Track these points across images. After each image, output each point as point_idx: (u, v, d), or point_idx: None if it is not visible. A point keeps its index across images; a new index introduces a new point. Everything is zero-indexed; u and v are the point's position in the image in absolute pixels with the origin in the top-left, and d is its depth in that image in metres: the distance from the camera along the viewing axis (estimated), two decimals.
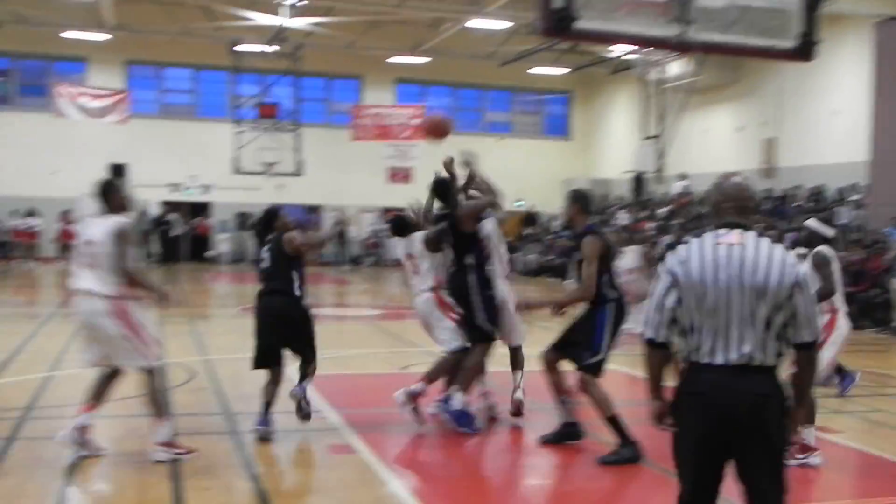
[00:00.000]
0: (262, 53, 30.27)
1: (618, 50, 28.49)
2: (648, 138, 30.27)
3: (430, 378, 8.03)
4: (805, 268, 4.12)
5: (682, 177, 30.16)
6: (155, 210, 32.14)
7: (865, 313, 17.45)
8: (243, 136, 30.06)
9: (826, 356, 7.26)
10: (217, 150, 30.73)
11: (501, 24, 27.90)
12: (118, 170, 31.94)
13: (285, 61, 30.64)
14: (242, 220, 33.22)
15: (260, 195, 30.61)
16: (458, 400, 7.90)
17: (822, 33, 7.23)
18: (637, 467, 6.97)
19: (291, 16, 27.03)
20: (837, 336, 7.72)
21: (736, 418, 3.82)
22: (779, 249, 3.90)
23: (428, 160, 33.33)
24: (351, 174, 33.74)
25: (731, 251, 3.87)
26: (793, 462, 6.39)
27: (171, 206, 32.63)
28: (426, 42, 31.24)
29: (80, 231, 6.96)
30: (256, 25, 28.46)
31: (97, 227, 6.76)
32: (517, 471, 7.55)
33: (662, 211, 29.23)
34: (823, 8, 7.11)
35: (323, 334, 9.48)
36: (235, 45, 29.95)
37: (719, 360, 3.86)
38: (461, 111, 37.29)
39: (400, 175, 32.45)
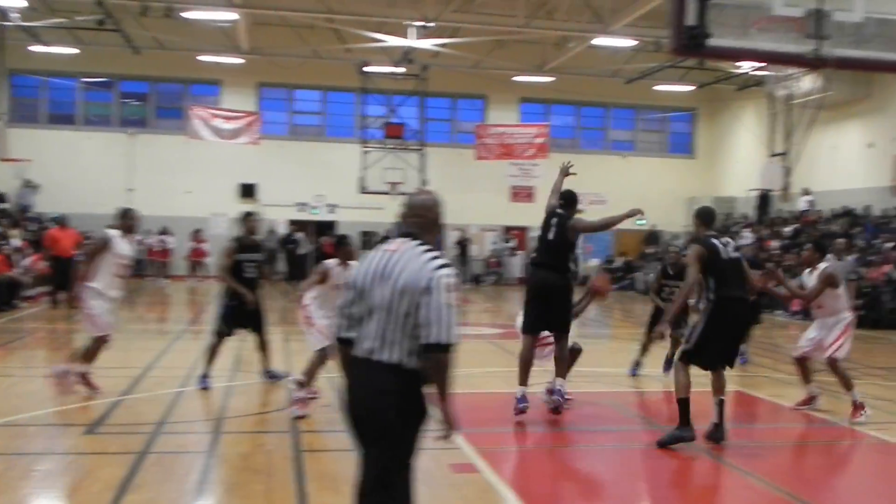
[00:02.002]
0: (390, 74, 30.75)
1: (745, 66, 27.94)
2: (775, 155, 29.50)
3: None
4: (446, 273, 4.10)
5: (807, 192, 29.33)
6: (282, 229, 32.90)
7: None
8: (369, 156, 30.56)
9: None
10: (344, 170, 31.34)
11: (626, 42, 27.70)
12: (248, 190, 32.98)
13: (411, 82, 31.07)
14: (367, 238, 33.74)
15: (384, 214, 31.08)
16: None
17: None
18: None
19: (419, 37, 27.39)
20: None
21: (353, 407, 4.26)
22: (424, 256, 4.20)
23: (550, 179, 33.23)
24: (474, 193, 33.89)
25: (388, 256, 4.27)
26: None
27: (298, 225, 33.36)
28: (551, 61, 31.25)
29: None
30: (384, 47, 28.95)
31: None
32: (640, 494, 7.46)
33: (788, 230, 28.45)
34: None
35: None
36: (364, 66, 30.50)
37: (358, 352, 4.27)
38: (585, 129, 37.16)
39: (523, 194, 32.46)
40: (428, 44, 28.54)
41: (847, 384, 9.58)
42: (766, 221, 30.53)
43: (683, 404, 8.03)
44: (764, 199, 30.91)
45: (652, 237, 35.24)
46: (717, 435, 8.22)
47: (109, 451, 7.65)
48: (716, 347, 8.12)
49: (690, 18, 6.20)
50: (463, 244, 34.15)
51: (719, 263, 8.13)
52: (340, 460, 7.40)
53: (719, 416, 8.24)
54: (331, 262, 9.20)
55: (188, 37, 28.96)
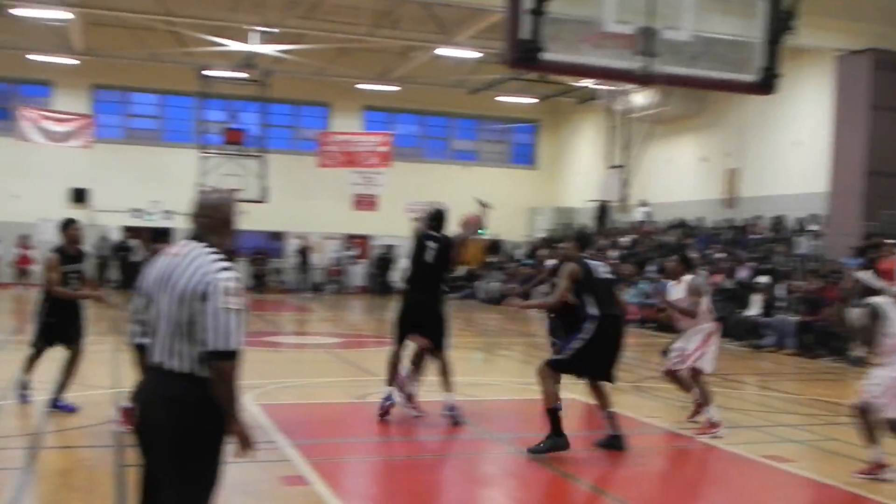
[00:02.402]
0: (231, 79, 30.18)
1: (584, 80, 28.70)
2: (613, 167, 30.47)
3: None
4: (226, 277, 4.00)
5: (644, 203, 30.38)
6: (116, 236, 31.83)
7: (821, 342, 17.65)
8: (208, 161, 29.89)
9: None
10: (181, 175, 30.48)
11: (470, 54, 28.02)
12: (79, 195, 31.71)
13: (253, 87, 30.59)
14: None
15: None
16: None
17: (784, 66, 7.30)
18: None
19: (261, 42, 26.98)
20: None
21: (142, 418, 4.07)
22: (206, 259, 4.03)
23: (393, 188, 33.40)
24: (316, 201, 33.63)
25: (171, 261, 4.11)
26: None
27: (132, 231, 32.31)
28: (395, 70, 31.32)
29: None
30: (225, 51, 28.38)
31: None
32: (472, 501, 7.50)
33: (625, 240, 29.39)
34: (786, 42, 7.16)
35: (281, 363, 9.42)
36: (203, 70, 29.83)
37: (150, 361, 4.13)
38: (428, 139, 37.43)
39: (366, 202, 32.41)
40: (270, 49, 28.14)
41: (706, 398, 9.70)
42: (605, 232, 31.44)
43: (553, 413, 8.26)
44: (603, 209, 31.83)
45: (494, 246, 35.72)
46: (617, 444, 8.57)
47: None
48: (593, 362, 8.45)
49: (525, 32, 6.27)
50: (304, 252, 33.80)
51: (595, 283, 8.45)
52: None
53: (614, 428, 8.59)
54: None
55: (17, 34, 27.53)
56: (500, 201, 35.36)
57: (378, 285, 33.85)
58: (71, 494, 6.72)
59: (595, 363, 8.47)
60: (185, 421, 3.96)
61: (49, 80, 31.94)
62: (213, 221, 4.20)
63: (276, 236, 33.86)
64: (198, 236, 4.17)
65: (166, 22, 26.65)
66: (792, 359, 17.61)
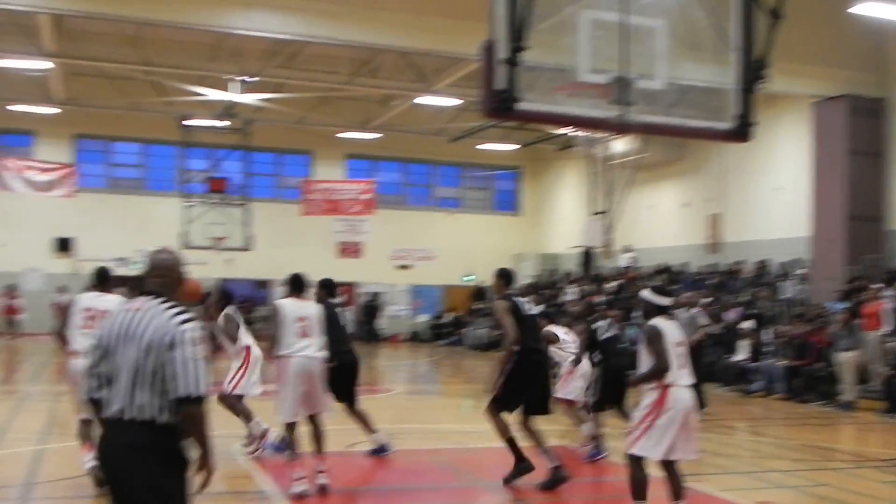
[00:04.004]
0: (212, 128, 30.24)
1: (561, 128, 28.90)
2: (596, 214, 30.55)
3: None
4: (190, 328, 4.26)
5: (628, 249, 30.45)
6: None
7: (810, 387, 17.62)
8: (192, 210, 29.83)
9: (658, 440, 6.84)
10: (165, 224, 30.41)
11: (450, 101, 28.22)
12: (64, 244, 31.61)
13: (235, 136, 30.65)
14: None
15: (208, 270, 30.33)
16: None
17: (760, 113, 7.39)
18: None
19: (242, 92, 27.08)
20: (667, 413, 6.82)
21: (106, 468, 4.22)
22: (167, 313, 4.27)
23: (378, 235, 33.40)
24: (301, 249, 33.49)
25: (132, 315, 4.31)
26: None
27: (117, 279, 32.13)
28: (376, 118, 31.47)
29: None
30: (206, 101, 28.46)
31: None
32: None
33: (611, 285, 29.40)
34: (759, 90, 7.23)
35: (264, 412, 9.35)
36: (185, 119, 29.89)
37: (109, 413, 4.23)
38: (411, 186, 37.53)
39: (350, 249, 32.40)
40: (251, 98, 28.24)
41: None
42: (590, 277, 31.47)
43: (511, 443, 8.77)
44: (587, 255, 31.88)
45: (479, 293, 35.71)
46: (560, 476, 8.74)
47: None
48: (522, 395, 8.80)
49: (500, 82, 6.31)
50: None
51: (521, 319, 8.84)
52: None
53: (553, 460, 8.79)
54: None
55: None
56: (485, 248, 35.85)
57: (365, 332, 33.75)
58: None
59: (520, 396, 8.80)
60: (147, 467, 4.12)
61: (31, 130, 31.94)
62: (169, 280, 4.49)
63: (263, 284, 33.73)
64: (155, 293, 4.40)
65: (146, 72, 26.74)
66: (781, 403, 17.56)
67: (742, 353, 20.03)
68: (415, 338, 35.76)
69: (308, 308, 9.01)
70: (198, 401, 4.17)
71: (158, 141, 32.88)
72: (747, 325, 20.63)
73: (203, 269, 30.50)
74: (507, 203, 38.80)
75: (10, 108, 29.42)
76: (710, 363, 21.40)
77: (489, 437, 10.08)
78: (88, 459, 8.29)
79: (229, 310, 10.74)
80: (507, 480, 8.81)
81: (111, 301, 8.39)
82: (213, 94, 27.71)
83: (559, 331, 11.48)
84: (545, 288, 33.42)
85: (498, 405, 8.84)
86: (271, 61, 25.37)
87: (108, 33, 24.25)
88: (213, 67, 26.00)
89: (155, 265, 4.54)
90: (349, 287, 35.28)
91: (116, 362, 4.24)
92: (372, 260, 33.32)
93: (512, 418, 8.93)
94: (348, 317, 35.96)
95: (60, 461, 9.63)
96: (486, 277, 34.83)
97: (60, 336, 8.77)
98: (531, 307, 9.32)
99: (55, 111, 30.09)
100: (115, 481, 4.19)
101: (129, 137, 33.23)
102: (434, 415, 14.97)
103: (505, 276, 9.28)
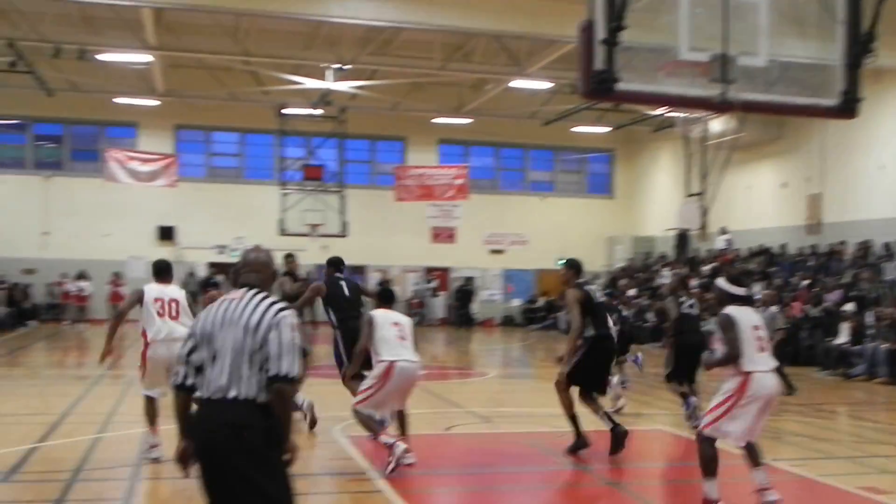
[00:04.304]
0: (308, 116, 30.73)
1: (659, 108, 28.57)
2: (692, 195, 30.10)
3: None
4: (287, 314, 4.51)
5: (724, 231, 29.98)
6: (202, 272, 32.50)
7: None
8: (289, 198, 30.41)
9: (737, 425, 6.89)
10: (263, 212, 31.14)
11: (543, 85, 28.13)
12: (166, 233, 32.53)
13: (330, 124, 31.09)
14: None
15: (305, 256, 30.87)
16: None
17: (865, 89, 7.16)
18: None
19: (336, 79, 27.45)
20: (749, 399, 6.85)
21: (209, 447, 4.34)
22: (265, 302, 4.51)
23: (470, 220, 33.55)
24: (395, 235, 33.96)
25: (231, 304, 4.54)
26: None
27: (218, 267, 33.00)
28: (469, 103, 31.57)
29: None
30: (302, 89, 28.94)
31: None
32: None
33: (706, 268, 29.01)
34: (868, 64, 7.05)
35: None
36: (282, 108, 30.44)
37: (207, 394, 4.44)
38: (504, 171, 37.52)
39: (444, 235, 32.64)
40: (345, 86, 28.61)
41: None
42: (685, 260, 31.09)
43: (573, 419, 9.47)
44: (682, 238, 31.47)
45: None
46: (620, 431, 9.39)
47: (24, 500, 7.50)
48: (589, 376, 9.54)
49: (599, 63, 6.31)
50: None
51: (592, 307, 9.57)
52: None
53: (612, 422, 9.50)
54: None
55: (103, 78, 28.55)
56: (578, 231, 35.67)
57: (459, 317, 33.98)
58: None
59: (588, 376, 9.54)
60: (251, 444, 4.29)
61: (134, 122, 32.95)
62: (264, 275, 4.76)
63: (357, 270, 34.19)
64: (250, 286, 4.64)
65: (244, 62, 27.35)
66: (884, 387, 17.15)
67: (843, 336, 19.61)
68: (508, 322, 35.83)
69: (400, 316, 9.24)
70: (290, 381, 4.37)
71: (256, 130, 33.57)
72: (849, 307, 20.18)
73: (300, 256, 31.13)
74: (601, 186, 38.52)
75: (115, 100, 30.39)
76: (809, 346, 21.04)
77: (583, 420, 10.14)
78: (154, 442, 8.82)
79: None
80: (568, 451, 9.44)
81: (173, 291, 9.21)
82: (308, 83, 28.16)
83: None
84: (639, 271, 33.15)
85: (568, 381, 9.50)
86: (365, 48, 25.66)
87: (207, 25, 24.86)
88: (309, 56, 26.44)
89: (249, 262, 4.78)
90: (443, 272, 35.54)
91: (216, 346, 4.45)
92: (465, 245, 33.50)
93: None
94: (439, 302, 36.39)
95: (165, 444, 9.94)
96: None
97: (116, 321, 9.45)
98: (601, 295, 10.05)
99: (156, 103, 30.99)
100: (217, 459, 4.33)
101: (228, 127, 33.98)
102: (528, 398, 15.02)
103: (575, 267, 9.81)
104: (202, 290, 32.20)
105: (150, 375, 8.97)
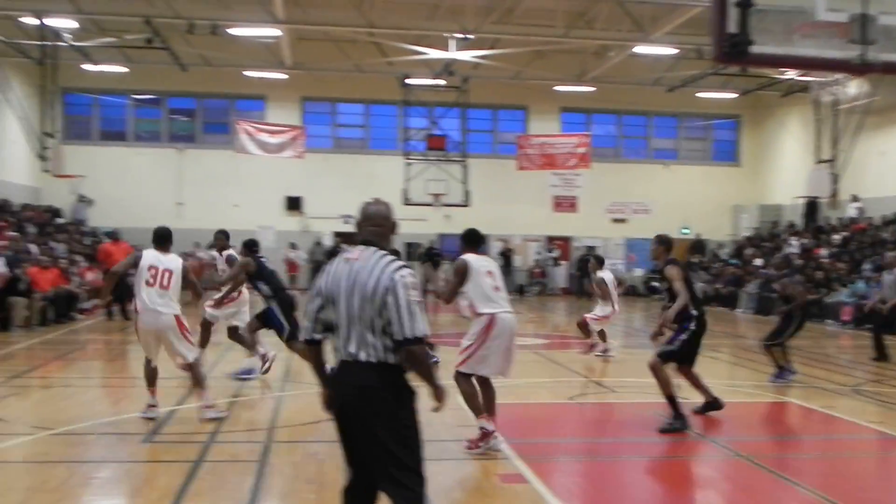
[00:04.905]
0: (431, 86, 30.92)
1: (789, 72, 27.77)
2: (822, 162, 29.23)
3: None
4: (406, 273, 4.46)
5: (855, 199, 29.03)
6: (328, 241, 33.19)
7: None
8: (412, 168, 30.73)
9: None
10: (387, 182, 31.48)
11: (667, 50, 27.65)
12: (294, 203, 33.33)
13: (453, 94, 31.23)
14: (410, 250, 33.93)
15: (428, 226, 31.26)
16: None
17: None
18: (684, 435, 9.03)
19: (459, 49, 27.53)
20: None
21: (343, 408, 4.46)
22: (382, 262, 4.47)
23: (592, 189, 33.27)
24: (516, 204, 33.97)
25: (350, 265, 4.52)
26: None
27: (343, 237, 33.63)
28: (591, 70, 31.26)
29: None
30: (426, 59, 29.14)
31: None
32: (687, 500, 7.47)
33: (837, 237, 28.19)
34: None
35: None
36: (405, 79, 30.72)
37: (340, 356, 4.51)
38: (627, 138, 37.07)
39: (565, 204, 32.48)
40: (468, 55, 28.67)
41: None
42: (814, 229, 30.26)
43: (671, 399, 9.34)
44: (811, 206, 30.66)
45: (697, 246, 35.06)
46: (716, 406, 9.93)
47: (166, 460, 7.83)
48: (692, 352, 9.68)
49: (732, 26, 6.18)
50: (506, 254, 34.20)
51: (691, 283, 9.74)
52: None
53: (709, 395, 9.98)
54: None
55: (233, 53, 29.37)
56: (702, 199, 35.07)
57: (580, 287, 33.83)
58: (303, 486, 7.07)
59: (692, 354, 9.70)
60: (383, 404, 4.38)
61: (262, 95, 33.78)
62: (385, 229, 4.71)
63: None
64: (369, 242, 4.62)
65: (368, 34, 27.67)
66: None
67: None
68: (630, 292, 35.52)
69: (492, 263, 8.76)
70: (417, 341, 4.39)
71: (380, 101, 33.99)
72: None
73: (423, 225, 31.55)
74: (726, 153, 37.69)
75: (245, 74, 31.22)
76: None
77: (715, 391, 10.05)
78: (151, 402, 9.35)
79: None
80: (664, 430, 9.18)
81: (170, 261, 9.24)
82: (432, 53, 28.33)
83: None
84: (766, 240, 32.40)
85: (669, 357, 9.56)
86: (488, 17, 25.67)
87: None
88: (432, 26, 26.61)
89: (369, 215, 4.72)
90: (564, 241, 35.43)
91: (342, 310, 4.48)
92: (587, 214, 33.26)
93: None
94: (560, 272, 36.17)
95: (297, 407, 10.27)
96: (703, 230, 34.37)
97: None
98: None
99: (284, 76, 31.69)
100: (353, 419, 4.43)
101: (353, 98, 34.51)
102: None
103: (666, 243, 9.88)
104: (328, 259, 32.97)
105: (142, 342, 9.32)
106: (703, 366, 12.17)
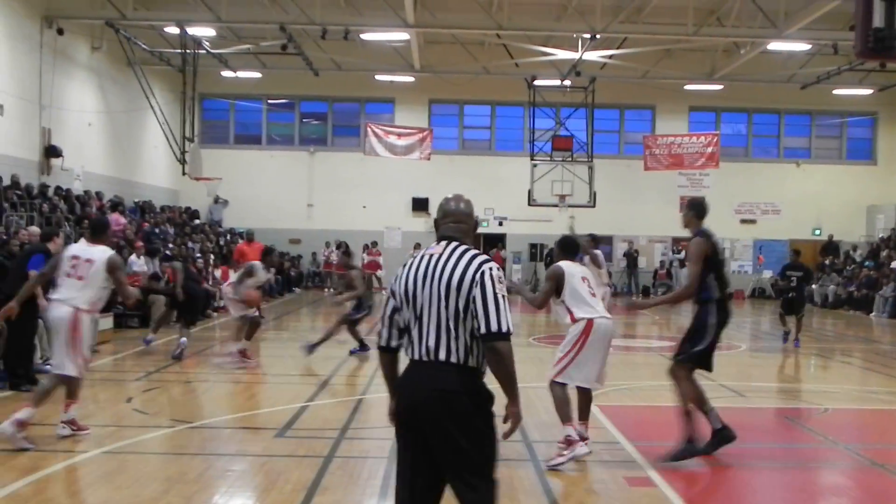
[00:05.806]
0: (558, 88, 30.94)
1: None
2: None
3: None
4: (490, 267, 4.22)
5: None
6: None
7: None
8: (538, 168, 30.77)
9: None
10: (512, 183, 31.74)
11: (801, 46, 27.01)
12: (420, 204, 33.82)
13: (579, 94, 31.18)
14: (535, 251, 34.06)
15: (552, 227, 31.29)
16: None
17: None
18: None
19: (587, 49, 27.49)
20: None
21: (417, 409, 4.21)
22: (467, 255, 4.28)
23: (720, 189, 32.77)
24: (642, 204, 33.70)
25: (431, 260, 4.33)
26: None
27: None
28: (721, 68, 30.76)
29: None
30: (552, 60, 29.20)
31: None
32: None
33: None
34: None
35: (614, 365, 9.55)
36: (532, 80, 30.81)
37: (415, 355, 4.29)
38: (756, 137, 36.30)
39: None
40: (596, 55, 28.58)
41: None
42: None
43: (704, 411, 8.07)
44: None
45: (830, 247, 34.08)
46: (728, 436, 8.12)
47: (298, 455, 8.08)
48: (712, 353, 8.10)
49: (877, 20, 6.12)
50: (631, 255, 33.94)
51: (718, 262, 8.04)
52: (516, 467, 7.65)
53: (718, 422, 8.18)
54: None
55: (363, 57, 30.07)
56: (835, 200, 34.14)
57: None
58: None
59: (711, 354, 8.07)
60: (459, 408, 4.16)
61: (391, 98, 34.44)
62: (466, 226, 4.52)
63: (604, 240, 34.23)
64: (452, 238, 4.43)
65: (496, 35, 27.89)
66: None
67: None
68: (759, 294, 34.79)
69: (586, 269, 8.47)
70: (504, 336, 4.15)
71: (506, 102, 34.24)
72: None
73: (547, 227, 31.61)
74: (862, 151, 36.49)
75: (377, 77, 31.90)
76: None
77: (847, 397, 9.81)
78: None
79: None
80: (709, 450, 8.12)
81: (95, 252, 8.37)
82: (559, 54, 28.36)
83: None
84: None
85: (696, 361, 8.12)
86: (617, 16, 25.57)
87: (463, 1, 25.57)
88: (560, 27, 26.70)
89: (450, 211, 4.52)
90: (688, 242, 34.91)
91: (419, 305, 4.28)
92: (714, 214, 32.16)
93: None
94: (686, 273, 35.93)
95: (375, 411, 10.30)
96: (835, 231, 33.40)
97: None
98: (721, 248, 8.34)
99: (412, 79, 32.22)
100: (424, 422, 4.20)
101: (479, 100, 34.84)
102: (780, 373, 14.66)
103: (697, 208, 8.24)
104: None
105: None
106: (837, 371, 11.96)
